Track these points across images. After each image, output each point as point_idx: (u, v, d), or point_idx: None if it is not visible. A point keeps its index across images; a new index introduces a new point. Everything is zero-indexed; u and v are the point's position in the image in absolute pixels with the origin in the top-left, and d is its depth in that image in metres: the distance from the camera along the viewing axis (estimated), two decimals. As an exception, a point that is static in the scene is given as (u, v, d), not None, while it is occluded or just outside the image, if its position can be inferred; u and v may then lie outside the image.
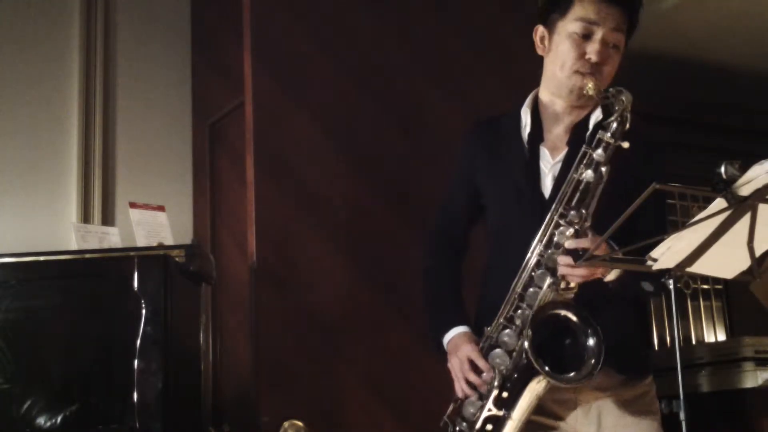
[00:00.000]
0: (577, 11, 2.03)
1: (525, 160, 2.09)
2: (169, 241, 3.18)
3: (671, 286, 1.79)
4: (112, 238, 3.24)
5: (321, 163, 3.46)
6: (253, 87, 3.41)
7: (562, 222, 1.93)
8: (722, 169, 1.64)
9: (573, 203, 1.93)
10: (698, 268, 1.79)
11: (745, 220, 1.69)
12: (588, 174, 1.93)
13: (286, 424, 2.66)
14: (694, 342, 5.17)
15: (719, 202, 1.66)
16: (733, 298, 5.34)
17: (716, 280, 5.17)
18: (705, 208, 1.69)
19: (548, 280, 1.92)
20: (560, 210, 1.94)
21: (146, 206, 3.27)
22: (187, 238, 3.68)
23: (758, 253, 1.76)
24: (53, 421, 2.61)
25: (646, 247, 1.76)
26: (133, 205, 3.24)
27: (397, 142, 3.57)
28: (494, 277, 2.11)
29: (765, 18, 4.41)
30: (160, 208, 3.29)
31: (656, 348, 4.88)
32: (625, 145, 1.92)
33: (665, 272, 1.78)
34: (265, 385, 3.18)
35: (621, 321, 2.01)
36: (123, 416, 2.60)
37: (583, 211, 1.92)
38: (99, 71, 3.93)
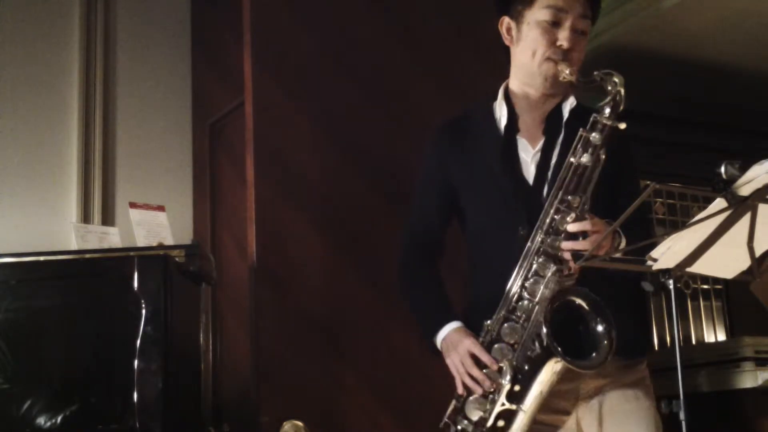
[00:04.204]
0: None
1: (503, 152, 2.08)
2: (169, 241, 3.18)
3: (671, 286, 1.79)
4: (112, 238, 3.24)
5: (321, 163, 3.46)
6: (253, 87, 3.41)
7: (561, 207, 1.92)
8: (722, 169, 1.64)
9: (571, 188, 1.93)
10: (698, 268, 1.79)
11: (745, 220, 1.69)
12: (586, 157, 1.93)
13: (286, 424, 2.66)
14: (694, 342, 5.17)
15: (719, 202, 1.66)
16: (733, 298, 5.34)
17: (716, 280, 5.17)
18: (705, 208, 1.69)
19: (551, 268, 1.91)
20: (559, 195, 1.93)
21: (146, 206, 3.27)
22: (187, 238, 3.68)
23: (758, 253, 1.76)
24: (53, 421, 2.61)
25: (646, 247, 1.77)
26: (133, 205, 3.24)
27: (396, 142, 3.57)
28: (484, 273, 2.10)
29: (765, 18, 4.41)
30: (160, 208, 3.29)
31: (656, 348, 4.88)
32: (622, 125, 1.93)
33: (665, 272, 1.78)
34: (265, 385, 3.18)
35: (619, 304, 2.00)
36: (123, 416, 2.60)
37: (582, 195, 1.92)
38: (99, 71, 3.93)
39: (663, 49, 4.69)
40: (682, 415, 1.77)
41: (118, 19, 4.05)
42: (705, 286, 5.32)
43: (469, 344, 1.96)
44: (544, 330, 1.85)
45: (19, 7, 3.85)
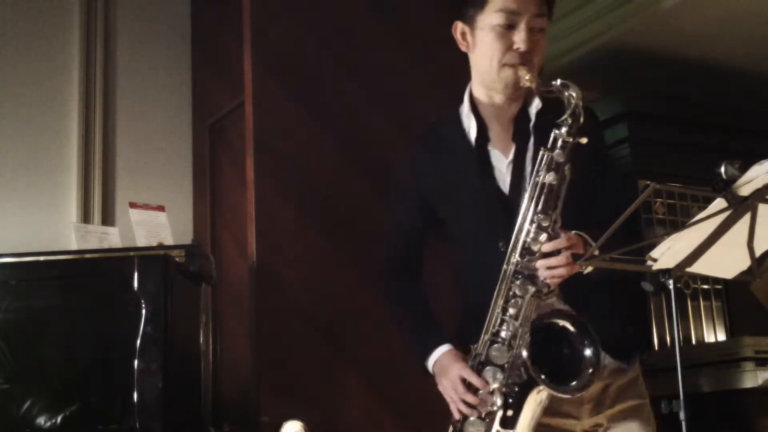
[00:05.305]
0: (496, 2, 1.98)
1: (477, 165, 2.05)
2: (169, 241, 3.19)
3: (671, 286, 1.79)
4: (112, 238, 3.24)
5: (321, 163, 3.46)
6: (253, 87, 3.41)
7: (532, 228, 1.90)
8: (722, 169, 1.64)
9: (540, 207, 1.90)
10: (698, 268, 1.79)
11: (745, 220, 1.69)
12: (551, 176, 1.90)
13: (286, 424, 2.66)
14: (694, 342, 5.16)
15: (719, 202, 1.66)
16: (733, 298, 5.33)
17: (716, 280, 5.16)
18: (705, 208, 1.69)
19: (530, 289, 1.90)
20: (529, 216, 1.91)
21: (146, 206, 3.27)
22: (187, 238, 3.69)
23: (758, 253, 1.76)
24: (53, 421, 2.61)
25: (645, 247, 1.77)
26: (133, 205, 3.24)
27: (396, 142, 3.56)
28: (468, 286, 2.09)
29: (765, 18, 4.41)
30: (160, 208, 3.29)
31: (656, 348, 4.88)
32: (584, 140, 1.90)
33: (665, 272, 1.78)
34: (265, 385, 3.18)
35: (609, 308, 2.01)
36: (123, 416, 2.61)
37: (552, 213, 1.90)
38: (99, 71, 3.93)
39: (663, 49, 4.69)
40: (682, 415, 1.77)
41: (118, 18, 4.05)
42: (705, 286, 5.31)
43: (459, 369, 1.94)
44: (524, 355, 1.85)
45: (19, 7, 3.85)
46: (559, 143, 1.90)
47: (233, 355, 3.63)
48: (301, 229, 3.36)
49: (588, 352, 1.86)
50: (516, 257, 1.91)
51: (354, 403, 3.28)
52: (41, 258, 2.80)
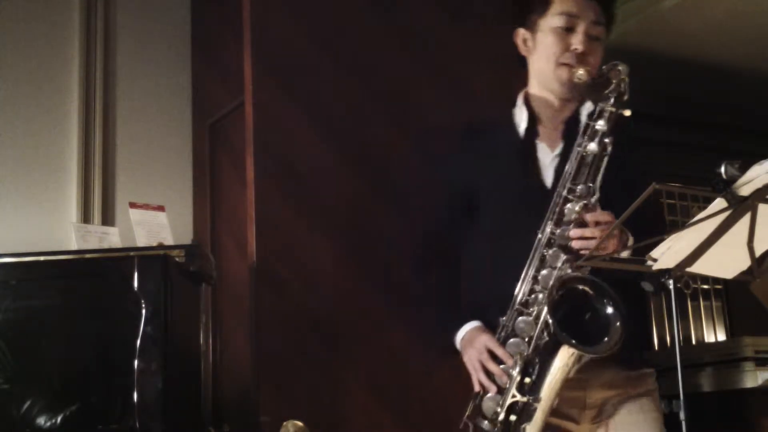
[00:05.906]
0: (557, 7, 2.09)
1: (523, 155, 2.10)
2: (169, 241, 3.18)
3: (671, 286, 1.79)
4: (112, 238, 3.24)
5: (321, 163, 3.46)
6: (253, 87, 3.41)
7: (570, 197, 1.93)
8: (722, 169, 1.64)
9: (579, 177, 1.94)
10: (698, 268, 1.79)
11: (745, 220, 1.69)
12: (592, 146, 1.94)
13: (286, 424, 2.66)
14: (694, 342, 5.17)
15: (719, 202, 1.66)
16: (733, 298, 5.34)
17: (716, 280, 5.17)
18: (705, 208, 1.69)
19: (562, 258, 1.91)
20: (567, 185, 1.94)
21: (146, 206, 3.27)
22: (187, 238, 3.69)
23: (758, 253, 1.76)
24: (53, 421, 2.61)
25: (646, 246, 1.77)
26: (133, 205, 3.24)
27: (396, 142, 3.57)
28: (500, 274, 2.08)
29: (765, 18, 4.41)
30: (160, 208, 3.29)
31: (656, 348, 4.88)
32: (627, 113, 1.95)
33: (665, 272, 1.78)
34: (265, 385, 3.18)
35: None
36: (123, 416, 2.60)
37: (590, 184, 1.93)
38: (99, 71, 3.93)
39: (663, 49, 4.69)
40: (682, 415, 1.77)
41: (118, 18, 4.05)
42: (705, 286, 5.32)
43: (486, 339, 1.98)
44: (549, 319, 1.84)
45: (19, 7, 3.85)
46: (604, 114, 1.96)
47: (233, 355, 3.63)
48: (301, 229, 3.36)
49: (610, 309, 1.85)
50: (551, 226, 1.94)
51: (354, 403, 3.28)
52: (41, 258, 2.80)
